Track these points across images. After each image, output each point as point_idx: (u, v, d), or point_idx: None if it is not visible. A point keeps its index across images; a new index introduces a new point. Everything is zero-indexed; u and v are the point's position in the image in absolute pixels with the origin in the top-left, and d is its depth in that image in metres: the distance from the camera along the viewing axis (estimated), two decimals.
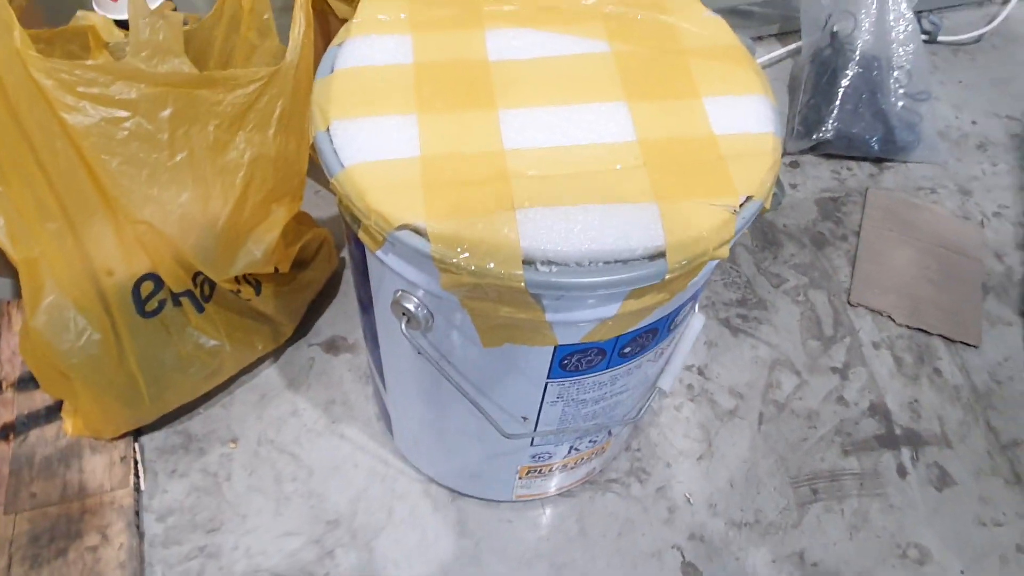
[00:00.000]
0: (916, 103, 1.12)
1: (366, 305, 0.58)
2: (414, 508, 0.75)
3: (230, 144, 0.64)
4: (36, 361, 0.66)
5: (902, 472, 0.81)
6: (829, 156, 1.12)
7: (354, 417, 0.81)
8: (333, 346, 0.87)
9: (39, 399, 0.78)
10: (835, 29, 1.13)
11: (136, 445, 0.77)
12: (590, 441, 0.65)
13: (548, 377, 0.52)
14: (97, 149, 0.58)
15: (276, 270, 0.74)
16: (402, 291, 0.48)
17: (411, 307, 0.48)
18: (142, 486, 0.75)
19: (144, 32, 0.57)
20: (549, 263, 0.42)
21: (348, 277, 0.92)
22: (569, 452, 0.66)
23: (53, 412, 0.77)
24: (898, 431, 0.84)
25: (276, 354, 0.85)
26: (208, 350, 0.73)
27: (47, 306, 0.62)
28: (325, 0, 0.79)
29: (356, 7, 0.54)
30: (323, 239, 0.85)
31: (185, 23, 0.63)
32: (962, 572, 0.74)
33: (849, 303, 0.95)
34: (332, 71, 0.50)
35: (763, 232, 1.02)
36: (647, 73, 0.51)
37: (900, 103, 1.11)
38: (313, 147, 0.47)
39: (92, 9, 0.86)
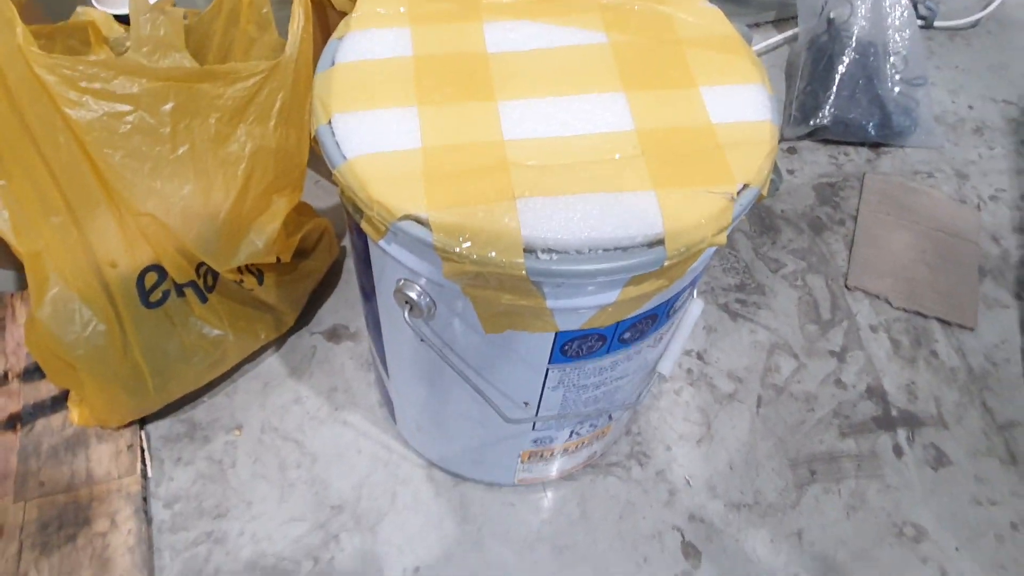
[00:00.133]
0: (912, 88, 1.12)
1: (368, 293, 0.59)
2: (417, 493, 0.76)
3: (231, 137, 0.64)
4: (42, 352, 0.67)
5: (899, 453, 0.82)
6: (826, 142, 1.13)
7: (356, 404, 0.82)
8: (335, 334, 0.88)
9: (45, 389, 0.79)
10: (831, 16, 1.13)
11: (142, 433, 0.78)
12: (591, 425, 0.66)
13: (549, 363, 0.53)
14: (100, 143, 0.58)
15: (278, 260, 0.74)
16: (404, 280, 0.49)
17: (414, 295, 0.49)
18: (149, 474, 0.76)
19: (145, 28, 0.57)
20: (549, 251, 0.42)
21: (349, 266, 0.93)
22: (570, 436, 0.67)
23: (59, 402, 0.78)
24: (895, 413, 0.85)
25: (278, 343, 0.86)
26: (212, 340, 0.74)
27: (52, 298, 0.63)
28: None
29: (355, 0, 0.55)
30: (324, 229, 0.85)
31: (184, 18, 0.63)
32: (957, 550, 0.76)
33: (847, 287, 0.96)
34: (333, 64, 0.51)
35: (761, 218, 1.03)
36: (644, 63, 0.51)
37: (897, 88, 1.11)
38: (315, 139, 0.48)
39: (92, 5, 0.86)
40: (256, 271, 0.75)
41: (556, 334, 0.49)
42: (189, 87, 0.60)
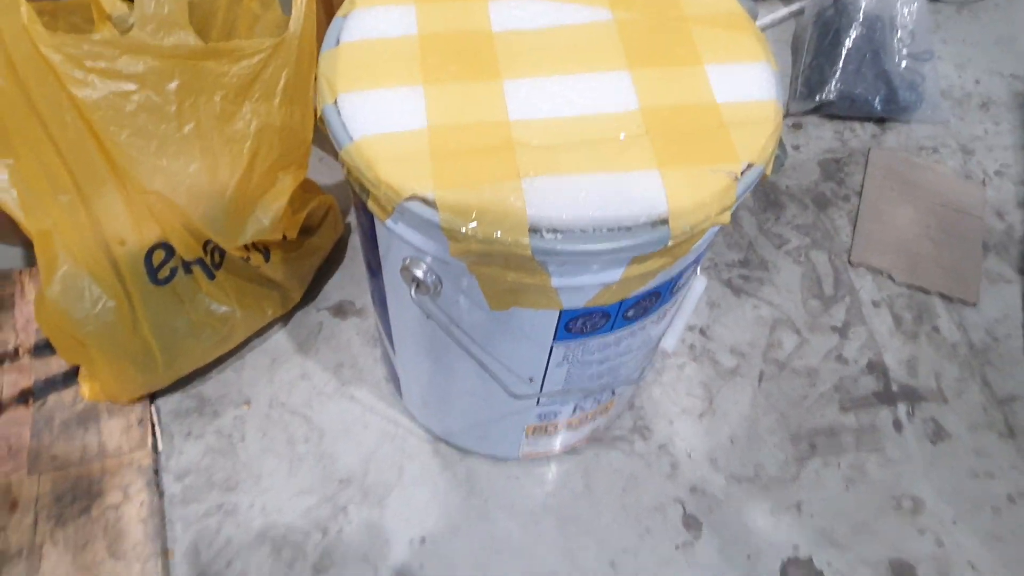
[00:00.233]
0: (919, 63, 1.11)
1: (374, 270, 0.60)
2: (424, 467, 0.78)
3: (236, 115, 0.65)
4: (52, 329, 0.68)
5: (898, 427, 0.83)
6: (832, 117, 1.12)
7: (363, 379, 0.83)
8: (341, 310, 0.89)
9: (55, 365, 0.80)
10: None
11: (152, 408, 0.79)
12: (594, 400, 0.67)
13: (554, 340, 0.53)
14: (106, 122, 0.59)
15: (284, 237, 0.75)
16: (411, 258, 0.49)
17: (420, 273, 0.49)
18: (159, 447, 0.77)
19: (150, 6, 0.57)
20: (554, 231, 0.43)
21: (354, 242, 0.94)
22: (574, 411, 0.68)
23: (70, 377, 0.79)
24: (895, 388, 0.86)
25: (285, 319, 0.87)
26: (219, 316, 0.75)
27: (62, 276, 0.64)
28: None
29: None
30: (329, 206, 0.86)
31: None
32: (954, 522, 0.77)
33: (850, 263, 0.96)
34: (338, 43, 0.51)
35: (765, 193, 1.03)
36: (649, 41, 0.51)
37: (903, 63, 1.10)
38: (321, 119, 0.48)
39: None
40: (263, 248, 0.75)
41: (561, 312, 0.50)
42: (194, 65, 0.61)
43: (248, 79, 0.64)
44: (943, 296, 0.93)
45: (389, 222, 0.47)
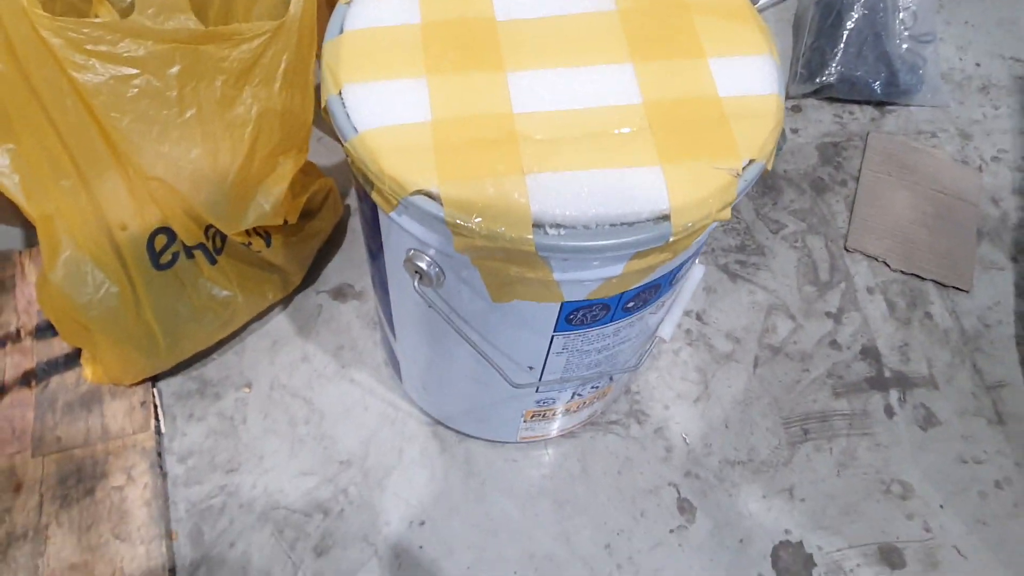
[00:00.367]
0: (921, 45, 1.11)
1: (375, 253, 0.60)
2: (423, 449, 0.79)
3: (237, 99, 0.64)
4: (55, 313, 0.68)
5: (889, 412, 0.85)
6: (831, 100, 1.12)
7: (363, 362, 0.84)
8: (340, 293, 0.89)
9: (57, 347, 0.81)
10: None
11: (154, 390, 0.80)
12: (592, 387, 0.68)
13: (554, 330, 0.54)
14: (107, 107, 0.58)
15: (285, 222, 0.75)
16: (414, 250, 0.50)
17: (423, 265, 0.50)
18: (162, 429, 0.78)
19: None
20: (558, 226, 0.43)
21: (353, 225, 0.94)
22: (572, 397, 0.69)
23: (72, 359, 0.80)
24: (888, 373, 0.87)
25: (285, 302, 0.87)
26: (221, 300, 0.76)
27: (64, 260, 0.64)
28: None
29: None
30: (329, 189, 0.86)
31: None
32: (941, 506, 0.79)
33: (846, 249, 0.97)
34: (341, 31, 0.50)
35: (763, 178, 1.03)
36: (653, 32, 0.51)
37: (904, 45, 1.10)
38: (325, 109, 0.48)
39: None
40: (264, 233, 0.76)
41: (562, 304, 0.51)
42: (194, 49, 0.60)
43: (248, 63, 0.64)
44: (937, 283, 0.94)
45: (393, 214, 0.48)
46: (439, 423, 0.80)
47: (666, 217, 0.44)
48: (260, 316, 0.85)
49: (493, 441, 0.79)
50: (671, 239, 0.44)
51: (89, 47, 0.56)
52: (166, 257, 0.70)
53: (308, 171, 0.82)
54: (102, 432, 0.76)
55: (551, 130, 0.46)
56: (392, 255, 0.55)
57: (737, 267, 0.94)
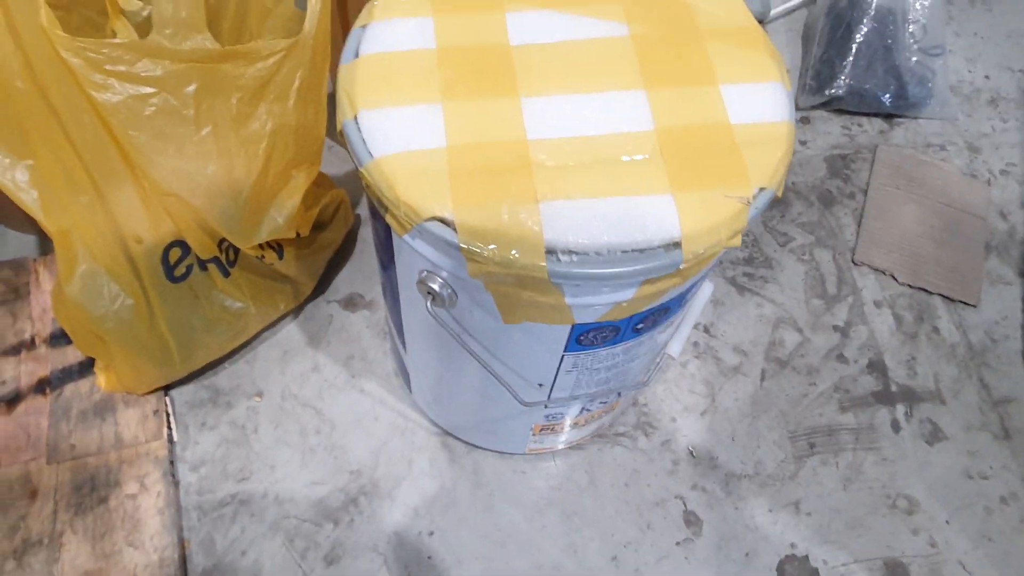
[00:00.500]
0: (930, 58, 1.11)
1: (386, 264, 0.60)
2: (432, 459, 0.80)
3: (252, 116, 0.65)
4: (71, 324, 0.69)
5: (896, 427, 0.85)
6: (840, 112, 1.12)
7: (373, 372, 0.85)
8: (351, 303, 0.90)
9: (72, 355, 0.82)
10: None
11: (167, 399, 0.81)
12: (601, 402, 0.69)
13: (565, 350, 0.55)
14: (125, 125, 0.59)
15: (297, 234, 0.76)
16: (427, 272, 0.50)
17: (436, 287, 0.50)
18: (175, 438, 0.79)
19: (167, 9, 0.57)
20: (570, 253, 0.44)
21: (364, 235, 0.95)
22: (581, 412, 0.69)
23: (86, 368, 0.81)
24: (894, 388, 0.88)
25: (296, 312, 0.88)
26: (234, 312, 0.77)
27: (81, 274, 0.65)
28: None
29: None
30: (340, 200, 0.86)
31: None
32: (947, 522, 0.79)
33: (853, 262, 0.97)
34: (357, 56, 0.51)
35: None
36: (665, 58, 0.52)
37: (914, 58, 1.10)
38: (341, 133, 0.49)
39: None
40: (276, 246, 0.76)
41: (573, 326, 0.51)
42: (211, 68, 0.61)
43: (263, 80, 0.64)
44: (944, 297, 0.94)
45: (407, 237, 0.48)
46: (448, 434, 0.81)
47: (677, 245, 0.44)
48: (271, 326, 0.86)
49: (502, 452, 0.80)
50: (682, 266, 0.44)
51: (108, 67, 0.57)
52: (180, 270, 0.71)
53: (320, 182, 0.83)
54: (115, 440, 0.77)
55: (564, 157, 0.47)
56: (404, 273, 0.56)
57: (745, 280, 0.95)
